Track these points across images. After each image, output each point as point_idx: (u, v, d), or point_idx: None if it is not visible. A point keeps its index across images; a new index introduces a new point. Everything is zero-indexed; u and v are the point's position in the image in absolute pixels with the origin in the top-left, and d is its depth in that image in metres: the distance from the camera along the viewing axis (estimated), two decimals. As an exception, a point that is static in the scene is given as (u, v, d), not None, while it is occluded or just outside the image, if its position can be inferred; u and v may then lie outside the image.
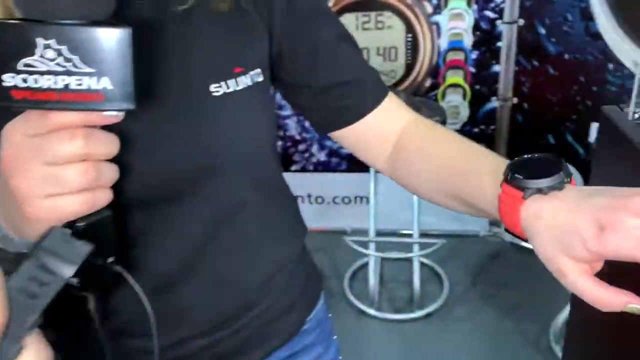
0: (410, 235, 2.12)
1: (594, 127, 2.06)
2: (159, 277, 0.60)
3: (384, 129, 0.65)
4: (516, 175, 0.48)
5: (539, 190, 0.46)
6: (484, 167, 0.54)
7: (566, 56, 2.04)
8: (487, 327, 2.02)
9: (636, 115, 0.75)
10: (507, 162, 0.51)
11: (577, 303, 0.91)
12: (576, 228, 0.43)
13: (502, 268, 2.30)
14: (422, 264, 2.17)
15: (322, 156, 2.44)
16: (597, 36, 1.94)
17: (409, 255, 2.10)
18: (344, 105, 0.64)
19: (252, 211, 0.64)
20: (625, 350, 0.82)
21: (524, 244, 2.39)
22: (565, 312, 1.92)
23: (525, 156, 0.50)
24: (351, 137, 0.66)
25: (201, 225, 0.60)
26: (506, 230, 0.50)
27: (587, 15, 1.94)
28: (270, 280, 0.68)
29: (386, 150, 0.65)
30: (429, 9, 2.13)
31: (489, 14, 2.12)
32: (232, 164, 0.59)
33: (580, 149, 2.10)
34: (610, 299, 0.42)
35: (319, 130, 0.69)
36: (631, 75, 1.93)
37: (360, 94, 0.64)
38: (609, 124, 0.76)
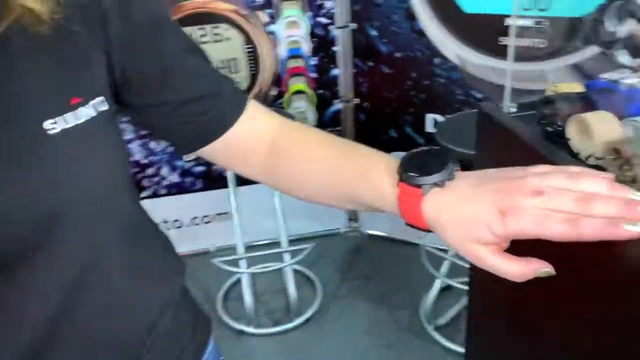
0: (278, 244, 2.09)
1: (429, 117, 2.22)
2: (21, 351, 0.51)
3: (253, 136, 0.62)
4: (410, 174, 0.50)
5: (436, 184, 0.48)
6: (374, 167, 0.54)
7: (397, 55, 2.15)
8: (363, 320, 2.07)
9: (512, 110, 0.79)
10: (391, 158, 0.53)
11: (476, 289, 0.94)
12: (480, 218, 0.46)
13: (366, 261, 2.38)
14: (294, 271, 2.15)
15: (174, 178, 2.30)
16: (422, 34, 2.08)
17: (282, 265, 2.07)
18: (206, 119, 0.59)
19: (117, 260, 0.57)
20: (525, 328, 0.87)
21: (380, 233, 2.49)
22: (433, 292, 2.04)
23: (412, 152, 0.53)
24: (220, 151, 0.62)
25: (59, 286, 0.52)
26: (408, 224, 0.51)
27: (411, 16, 2.06)
28: (151, 331, 0.62)
29: (259, 158, 0.62)
30: (265, 18, 2.11)
31: (322, 20, 2.16)
32: (84, 210, 0.51)
33: (420, 139, 2.24)
34: (522, 269, 0.45)
35: (182, 150, 0.64)
36: (456, 68, 2.10)
37: (220, 105, 0.60)
38: (488, 120, 0.79)
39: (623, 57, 0.74)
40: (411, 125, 2.26)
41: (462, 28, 2.02)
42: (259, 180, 0.64)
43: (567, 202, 0.43)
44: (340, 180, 0.58)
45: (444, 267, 1.99)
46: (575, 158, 0.71)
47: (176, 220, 2.36)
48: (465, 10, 1.98)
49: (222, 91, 0.60)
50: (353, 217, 2.51)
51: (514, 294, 0.84)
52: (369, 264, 2.35)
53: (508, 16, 1.93)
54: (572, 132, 0.73)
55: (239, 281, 2.14)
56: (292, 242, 2.12)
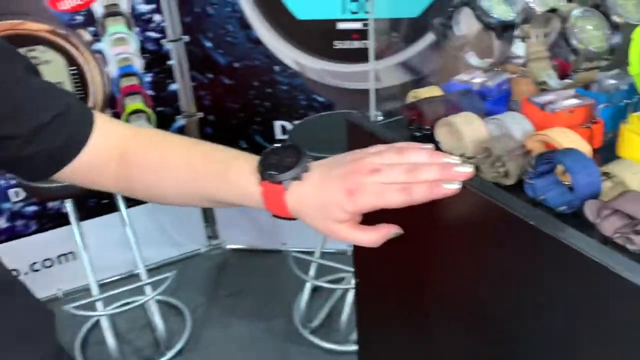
0: (137, 277, 1.93)
1: (277, 124, 2.20)
2: None
3: (105, 149, 0.61)
4: (270, 172, 0.54)
5: (295, 178, 0.54)
6: (235, 168, 0.57)
7: (236, 65, 2.10)
8: (238, 338, 2.00)
9: (379, 118, 0.79)
10: (252, 157, 0.56)
11: (362, 280, 0.94)
12: (333, 200, 0.52)
13: (233, 277, 2.30)
14: (158, 302, 2.01)
15: (1, 223, 2.01)
16: (259, 42, 2.05)
17: (144, 299, 1.91)
18: (59, 144, 0.59)
19: None
20: (412, 313, 0.89)
21: (242, 246, 2.43)
22: (304, 296, 2.04)
23: (267, 150, 0.56)
24: (73, 170, 0.61)
25: None
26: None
27: (246, 25, 2.02)
28: None
29: (114, 169, 0.62)
30: (88, 37, 1.93)
31: (152, 34, 2.03)
32: None
33: (270, 146, 2.22)
34: (376, 235, 0.53)
35: (34, 178, 0.62)
36: (296, 74, 2.11)
37: (70, 125, 0.59)
38: (356, 130, 0.78)
39: (472, 58, 0.78)
40: (260, 133, 2.22)
41: (297, 35, 2.03)
42: (117, 191, 0.65)
43: (399, 174, 0.51)
44: (200, 183, 0.59)
45: (312, 270, 2.00)
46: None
47: (13, 270, 2.06)
48: (298, 17, 1.99)
49: (69, 110, 0.59)
50: (212, 234, 2.41)
51: (398, 278, 0.85)
52: (237, 280, 2.27)
53: (339, 20, 1.99)
54: (441, 135, 0.75)
55: (98, 323, 1.94)
56: (151, 271, 1.97)
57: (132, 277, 2.00)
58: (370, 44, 1.12)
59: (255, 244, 2.34)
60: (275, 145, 0.58)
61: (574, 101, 0.72)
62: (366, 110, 0.92)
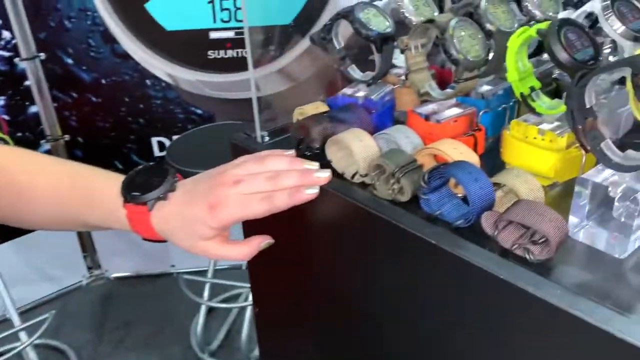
0: (9, 322, 1.72)
1: (155, 141, 2.07)
2: None
3: None
4: (134, 193, 0.52)
5: (159, 198, 0.52)
6: (102, 191, 0.55)
7: (103, 81, 1.94)
8: (134, 372, 1.86)
9: (266, 139, 0.74)
10: (116, 176, 0.55)
11: (258, 294, 0.89)
12: (196, 217, 0.51)
13: (121, 307, 2.13)
14: (36, 346, 1.80)
15: None
16: (126, 57, 1.91)
17: (18, 348, 1.70)
18: None
19: None
20: (309, 322, 0.85)
21: (128, 273, 2.28)
22: (200, 319, 1.93)
23: (132, 172, 0.55)
24: None
25: None
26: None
27: (110, 39, 1.87)
28: None
29: None
30: None
31: (3, 53, 1.82)
32: None
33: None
34: (247, 249, 0.53)
35: None
36: (170, 86, 2.00)
37: None
38: (241, 153, 0.73)
39: (354, 71, 0.75)
40: (137, 152, 2.08)
41: (168, 46, 1.92)
42: None
43: (261, 183, 0.51)
44: (68, 206, 0.57)
45: (206, 290, 1.90)
46: (341, 179, 0.70)
47: None
48: (166, 28, 1.88)
49: None
50: (92, 264, 2.22)
51: (293, 292, 0.82)
52: (125, 310, 2.11)
53: (211, 30, 1.91)
54: (331, 153, 0.71)
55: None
56: (27, 313, 1.77)
57: (4, 322, 1.78)
58: (248, 53, 1.06)
59: (142, 270, 2.19)
60: (144, 165, 0.57)
61: (457, 110, 0.72)
62: (250, 120, 0.86)
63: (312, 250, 0.78)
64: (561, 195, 0.66)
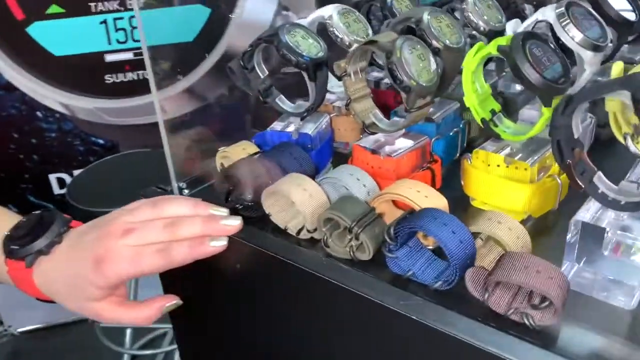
0: None
1: (53, 178, 1.82)
2: None
3: None
4: (13, 246, 0.46)
5: (40, 252, 0.45)
6: None
7: (-15, 117, 1.67)
8: None
9: (185, 192, 0.59)
10: (5, 225, 0.48)
11: (181, 334, 0.74)
12: (81, 275, 0.43)
13: (31, 363, 1.85)
14: None
15: None
16: (11, 87, 1.65)
17: None
18: None
19: None
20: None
21: (36, 326, 1.98)
22: None
23: (22, 219, 0.48)
24: None
25: None
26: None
27: (-12, 69, 1.61)
28: None
29: None
30: None
31: None
32: None
33: (50, 204, 1.82)
34: (148, 312, 0.45)
35: None
36: (65, 117, 1.75)
37: None
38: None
39: (283, 103, 0.62)
40: (33, 192, 1.81)
41: (58, 73, 1.68)
42: None
43: (156, 232, 0.43)
44: None
45: (127, 336, 1.69)
46: (285, 235, 0.56)
47: None
48: (54, 53, 1.64)
49: None
50: (-5, 319, 1.92)
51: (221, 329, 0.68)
52: (36, 366, 1.84)
53: (107, 52, 1.69)
54: (269, 206, 0.57)
55: None
56: None
57: None
58: (150, 75, 0.88)
59: (52, 320, 1.91)
60: (33, 213, 0.50)
61: (409, 142, 0.60)
62: (157, 146, 0.71)
63: (248, 316, 0.64)
64: (537, 233, 0.56)
